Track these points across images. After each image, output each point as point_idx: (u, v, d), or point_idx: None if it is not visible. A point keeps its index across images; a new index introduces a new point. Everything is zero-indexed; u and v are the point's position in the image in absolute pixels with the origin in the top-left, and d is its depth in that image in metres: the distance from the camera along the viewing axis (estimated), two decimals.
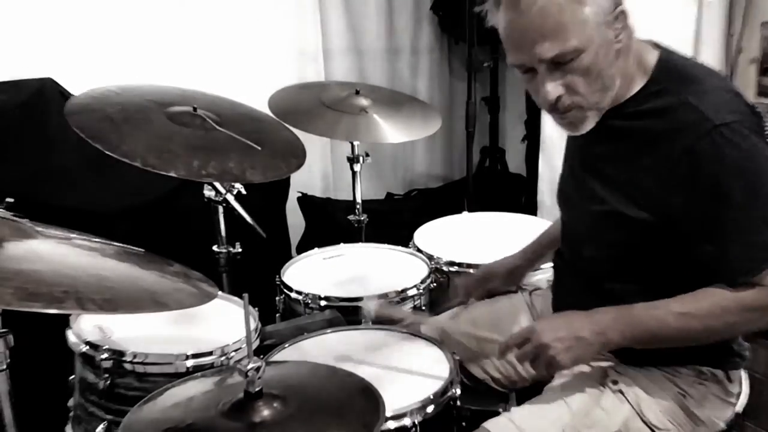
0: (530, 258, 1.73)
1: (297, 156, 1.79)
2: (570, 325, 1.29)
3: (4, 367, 1.25)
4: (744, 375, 1.48)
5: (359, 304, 1.72)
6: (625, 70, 1.27)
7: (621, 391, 1.34)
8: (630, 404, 1.34)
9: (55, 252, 1.17)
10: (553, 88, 1.24)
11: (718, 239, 1.23)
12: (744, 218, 1.21)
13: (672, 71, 1.29)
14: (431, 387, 1.36)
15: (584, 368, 1.43)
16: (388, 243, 2.16)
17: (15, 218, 1.22)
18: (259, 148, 1.68)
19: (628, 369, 1.38)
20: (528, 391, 1.44)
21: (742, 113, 1.22)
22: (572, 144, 1.50)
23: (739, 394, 1.43)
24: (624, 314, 1.28)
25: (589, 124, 1.30)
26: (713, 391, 1.37)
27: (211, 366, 1.46)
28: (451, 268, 1.98)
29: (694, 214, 1.23)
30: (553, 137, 2.88)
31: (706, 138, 1.19)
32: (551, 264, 1.62)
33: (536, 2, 1.18)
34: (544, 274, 1.83)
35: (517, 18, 1.21)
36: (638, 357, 1.37)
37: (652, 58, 1.30)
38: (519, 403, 1.46)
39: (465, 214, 2.41)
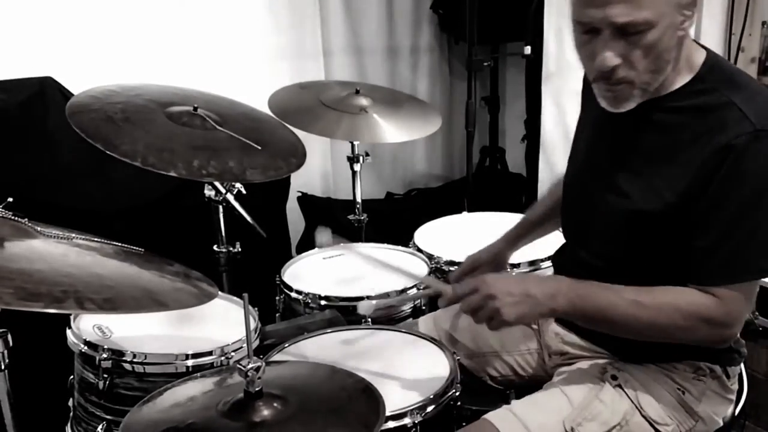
0: (512, 240, 1.71)
1: (297, 156, 1.79)
2: (522, 283, 1.29)
3: (4, 367, 1.25)
4: (744, 374, 1.49)
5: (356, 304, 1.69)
6: (678, 59, 1.26)
7: (620, 386, 1.35)
8: (629, 399, 1.34)
9: (54, 251, 1.17)
10: (613, 56, 1.21)
11: (704, 235, 1.23)
12: (736, 226, 1.21)
13: (718, 72, 1.28)
14: (431, 387, 1.36)
15: (582, 364, 1.44)
16: (388, 243, 2.16)
17: (15, 217, 1.22)
18: (260, 148, 1.68)
19: (626, 365, 1.38)
20: (528, 391, 1.44)
21: None
22: (596, 134, 1.45)
23: (738, 391, 1.43)
24: (579, 285, 1.27)
25: (632, 103, 1.27)
26: (711, 387, 1.37)
27: (211, 366, 1.46)
28: (451, 268, 1.98)
29: (704, 203, 1.22)
30: (553, 137, 2.88)
31: (744, 137, 1.19)
32: (550, 263, 1.62)
33: None
34: (542, 273, 1.83)
35: None
36: (635, 353, 1.38)
37: (699, 56, 1.30)
38: None
39: (465, 213, 2.41)
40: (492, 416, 1.33)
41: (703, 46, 1.33)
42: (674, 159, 1.26)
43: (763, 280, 2.02)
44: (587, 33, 1.23)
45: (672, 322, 1.25)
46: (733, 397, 1.42)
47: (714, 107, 1.24)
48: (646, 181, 1.30)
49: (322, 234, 1.51)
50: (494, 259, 1.71)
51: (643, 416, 1.33)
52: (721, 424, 1.40)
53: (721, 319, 1.24)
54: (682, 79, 1.28)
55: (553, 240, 1.66)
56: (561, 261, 1.56)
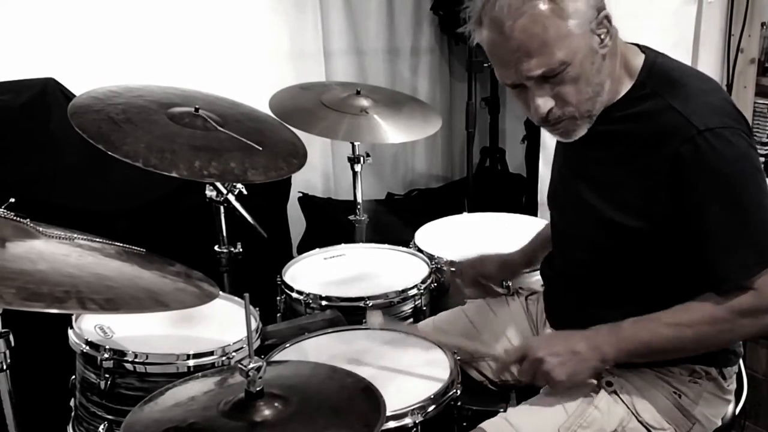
0: (527, 258, 1.72)
1: (298, 156, 1.79)
2: (566, 341, 1.31)
3: (5, 367, 1.25)
4: (744, 374, 1.49)
5: (365, 321, 1.67)
6: (612, 72, 1.27)
7: (615, 392, 1.35)
8: (625, 405, 1.34)
9: (56, 252, 1.17)
10: (544, 102, 1.24)
11: (704, 246, 1.23)
12: (728, 224, 1.21)
13: (657, 75, 1.29)
14: (432, 387, 1.37)
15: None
16: (389, 243, 2.16)
17: (17, 218, 1.23)
18: (261, 149, 1.68)
19: (622, 371, 1.38)
20: (528, 391, 1.44)
21: (727, 117, 1.22)
22: (561, 149, 1.50)
23: (738, 391, 1.43)
24: (617, 328, 1.29)
25: (581, 131, 1.30)
26: (708, 389, 1.37)
27: (212, 366, 1.46)
28: (452, 269, 1.98)
29: (679, 221, 1.23)
30: (553, 137, 2.88)
31: (689, 143, 1.20)
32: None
33: (518, 23, 1.17)
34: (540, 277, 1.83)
35: (500, 39, 1.21)
36: None
37: (638, 61, 1.30)
38: (520, 402, 1.46)
39: (465, 214, 2.41)
40: (487, 425, 1.33)
41: (643, 48, 1.34)
42: (625, 167, 1.28)
43: None
44: (515, 88, 1.27)
45: (718, 329, 1.25)
46: (731, 397, 1.42)
47: (655, 113, 1.25)
48: (605, 192, 1.31)
49: (374, 316, 1.55)
50: (503, 263, 1.71)
51: (640, 422, 1.33)
52: (719, 424, 1.40)
53: (762, 306, 1.23)
54: (624, 88, 1.30)
55: None
56: (548, 273, 1.57)
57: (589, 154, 1.35)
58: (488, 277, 1.71)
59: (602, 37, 1.23)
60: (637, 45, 1.35)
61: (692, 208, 1.22)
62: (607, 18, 1.24)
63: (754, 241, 1.22)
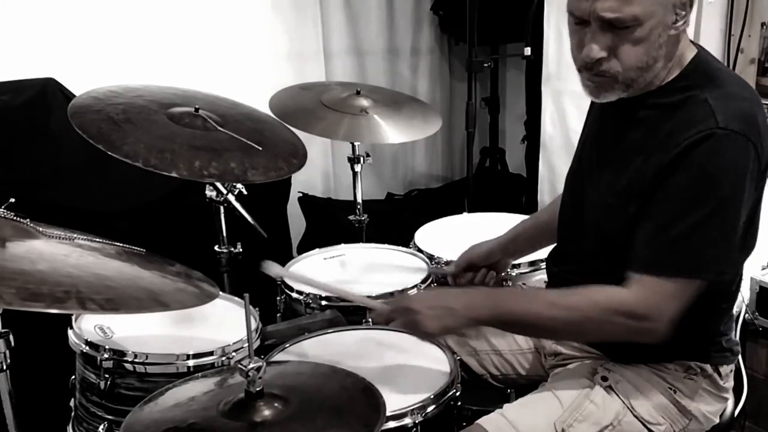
0: (505, 248, 1.72)
1: (298, 156, 1.79)
2: (442, 296, 1.38)
3: (5, 367, 1.25)
4: (744, 374, 1.49)
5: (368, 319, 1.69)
6: (669, 56, 1.27)
7: (611, 387, 1.35)
8: (621, 400, 1.35)
9: (56, 252, 1.17)
10: (599, 49, 1.23)
11: (653, 225, 1.23)
12: (686, 222, 1.20)
13: (703, 71, 1.29)
14: (432, 387, 1.37)
15: (574, 366, 1.44)
16: (389, 243, 2.16)
17: (17, 218, 1.23)
18: (260, 149, 1.68)
19: (617, 366, 1.39)
20: (528, 390, 1.44)
21: (752, 127, 1.21)
22: (591, 132, 1.47)
23: (738, 391, 1.44)
24: (497, 295, 1.35)
25: (612, 96, 1.29)
26: (703, 386, 1.37)
27: (212, 366, 1.46)
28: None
29: (655, 195, 1.23)
30: (553, 137, 2.88)
31: (705, 133, 1.19)
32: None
33: None
34: (543, 275, 1.83)
35: None
36: (626, 354, 1.38)
37: (690, 54, 1.30)
38: None
39: (465, 214, 2.41)
40: (484, 421, 1.34)
41: (698, 46, 1.34)
42: (644, 155, 1.27)
43: (762, 279, 2.04)
44: (578, 23, 1.25)
45: (588, 318, 1.26)
46: (727, 395, 1.42)
47: (688, 104, 1.24)
48: (619, 177, 1.30)
49: (272, 267, 1.56)
50: (489, 252, 1.72)
51: (635, 416, 1.34)
52: (717, 421, 1.40)
53: (641, 312, 1.22)
54: (671, 75, 1.29)
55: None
56: (555, 270, 1.56)
57: (621, 137, 1.34)
58: (476, 262, 1.72)
59: (679, 18, 1.23)
60: (693, 42, 1.34)
61: (664, 188, 1.21)
62: (691, 4, 1.23)
63: (682, 250, 1.21)
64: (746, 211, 1.24)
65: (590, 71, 1.26)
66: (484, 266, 1.71)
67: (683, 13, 1.23)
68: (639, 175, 1.27)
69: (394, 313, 1.38)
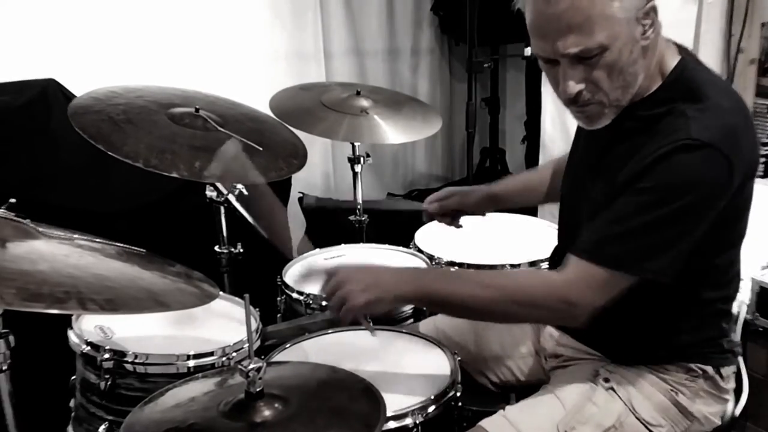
0: (494, 201, 1.75)
1: (298, 157, 1.79)
2: (372, 271, 1.38)
3: (6, 367, 1.25)
4: (744, 374, 1.49)
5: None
6: (648, 67, 1.26)
7: (612, 389, 1.35)
8: (622, 401, 1.34)
9: (57, 252, 1.17)
10: (574, 83, 1.22)
11: (605, 217, 1.22)
12: (637, 220, 1.19)
13: (683, 81, 1.27)
14: (432, 387, 1.37)
15: (575, 367, 1.44)
16: (389, 243, 2.16)
17: (17, 218, 1.23)
18: (261, 149, 1.68)
19: (618, 367, 1.38)
20: (528, 392, 1.44)
21: (726, 140, 1.18)
22: (580, 138, 1.48)
23: (738, 391, 1.43)
24: (427, 272, 1.35)
25: (606, 120, 1.28)
26: (705, 388, 1.37)
27: (212, 366, 1.46)
28: (452, 269, 1.98)
29: (614, 193, 1.23)
30: (553, 138, 2.88)
31: (675, 145, 1.17)
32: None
33: None
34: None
35: (545, 7, 1.18)
36: (627, 355, 1.38)
37: (672, 62, 1.29)
38: None
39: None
40: (486, 423, 1.34)
41: (683, 50, 1.32)
42: (624, 166, 1.26)
43: (762, 280, 2.04)
44: (548, 63, 1.25)
45: (511, 298, 1.26)
46: (729, 396, 1.42)
47: (667, 117, 1.23)
48: (604, 186, 1.30)
49: (229, 145, 1.53)
50: (470, 191, 1.75)
51: (637, 418, 1.33)
52: (718, 423, 1.40)
53: (569, 297, 1.22)
54: (654, 85, 1.28)
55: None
56: (553, 262, 1.56)
57: (609, 150, 1.33)
58: (454, 202, 1.75)
59: (646, 28, 1.21)
60: (677, 45, 1.33)
61: (627, 188, 1.21)
62: (654, 10, 1.22)
63: (624, 245, 1.20)
64: (725, 219, 1.22)
65: (576, 104, 1.26)
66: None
67: (649, 21, 1.21)
68: (615, 185, 1.26)
69: (326, 280, 1.33)
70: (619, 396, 1.35)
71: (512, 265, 1.85)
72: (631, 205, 1.20)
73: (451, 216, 1.78)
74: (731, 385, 1.42)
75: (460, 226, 1.79)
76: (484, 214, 1.79)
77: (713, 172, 1.18)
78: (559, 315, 1.26)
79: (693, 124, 1.18)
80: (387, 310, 1.39)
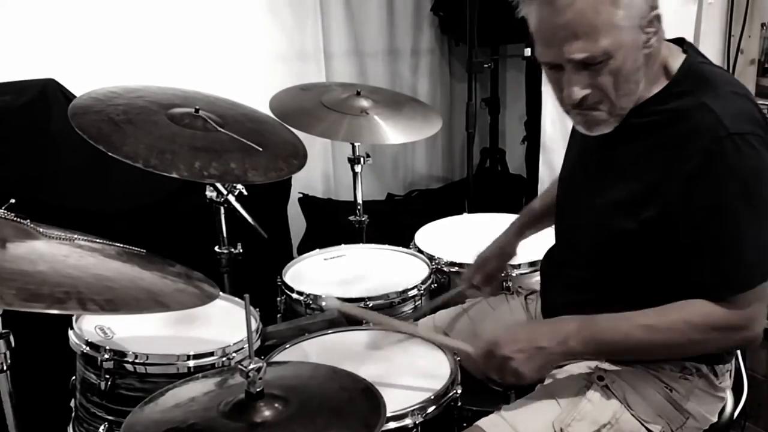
0: (517, 230, 1.74)
1: (298, 157, 1.79)
2: (530, 335, 1.31)
3: (6, 367, 1.25)
4: (744, 374, 1.48)
5: (321, 302, 1.77)
6: (649, 73, 1.27)
7: (607, 387, 1.35)
8: (617, 399, 1.35)
9: (57, 252, 1.17)
10: (579, 89, 1.23)
11: (705, 250, 1.23)
12: (736, 234, 1.21)
13: (693, 74, 1.28)
14: (432, 387, 1.37)
15: (571, 366, 1.44)
16: (389, 243, 2.17)
17: (17, 219, 1.23)
18: (261, 149, 1.68)
19: (613, 366, 1.38)
20: (528, 391, 1.44)
21: (756, 125, 1.22)
22: (581, 147, 1.47)
23: (738, 391, 1.43)
24: (587, 324, 1.29)
25: (606, 128, 1.29)
26: (699, 386, 1.37)
27: (213, 366, 1.47)
28: (452, 269, 1.98)
29: (690, 218, 1.23)
30: (554, 138, 2.88)
31: (719, 143, 1.19)
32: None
33: (574, 2, 1.16)
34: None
35: (551, 14, 1.19)
36: None
37: (677, 61, 1.30)
38: None
39: (465, 214, 2.42)
40: (484, 422, 1.34)
41: (687, 45, 1.33)
42: (650, 164, 1.26)
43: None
44: (551, 69, 1.26)
45: (686, 338, 1.26)
46: (724, 395, 1.42)
47: (689, 111, 1.24)
48: (632, 184, 1.29)
49: (330, 300, 1.57)
50: (500, 252, 1.73)
51: (632, 415, 1.34)
52: (714, 420, 1.40)
53: (737, 324, 1.24)
54: (658, 86, 1.29)
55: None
56: (547, 271, 1.56)
57: (621, 148, 1.33)
58: (497, 272, 1.73)
59: (650, 36, 1.22)
60: (681, 44, 1.34)
61: (707, 208, 1.21)
62: (658, 18, 1.23)
63: (744, 258, 1.22)
64: None
65: (579, 107, 1.26)
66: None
67: (653, 29, 1.22)
68: (651, 184, 1.26)
69: (484, 359, 1.33)
70: (614, 394, 1.35)
71: (512, 266, 1.86)
72: (727, 224, 1.21)
73: (493, 279, 1.74)
74: (727, 383, 1.42)
75: (508, 288, 1.77)
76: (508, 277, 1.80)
77: (765, 156, 1.20)
78: (737, 342, 1.31)
79: (724, 116, 1.19)
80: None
